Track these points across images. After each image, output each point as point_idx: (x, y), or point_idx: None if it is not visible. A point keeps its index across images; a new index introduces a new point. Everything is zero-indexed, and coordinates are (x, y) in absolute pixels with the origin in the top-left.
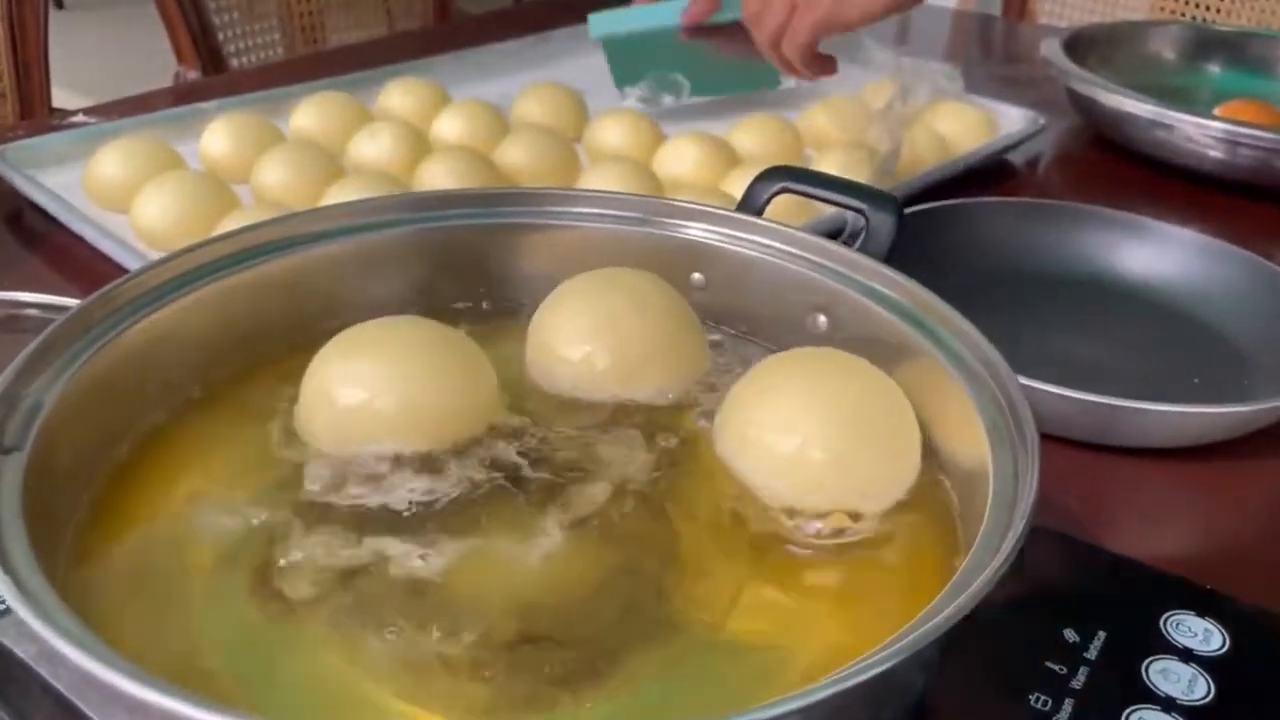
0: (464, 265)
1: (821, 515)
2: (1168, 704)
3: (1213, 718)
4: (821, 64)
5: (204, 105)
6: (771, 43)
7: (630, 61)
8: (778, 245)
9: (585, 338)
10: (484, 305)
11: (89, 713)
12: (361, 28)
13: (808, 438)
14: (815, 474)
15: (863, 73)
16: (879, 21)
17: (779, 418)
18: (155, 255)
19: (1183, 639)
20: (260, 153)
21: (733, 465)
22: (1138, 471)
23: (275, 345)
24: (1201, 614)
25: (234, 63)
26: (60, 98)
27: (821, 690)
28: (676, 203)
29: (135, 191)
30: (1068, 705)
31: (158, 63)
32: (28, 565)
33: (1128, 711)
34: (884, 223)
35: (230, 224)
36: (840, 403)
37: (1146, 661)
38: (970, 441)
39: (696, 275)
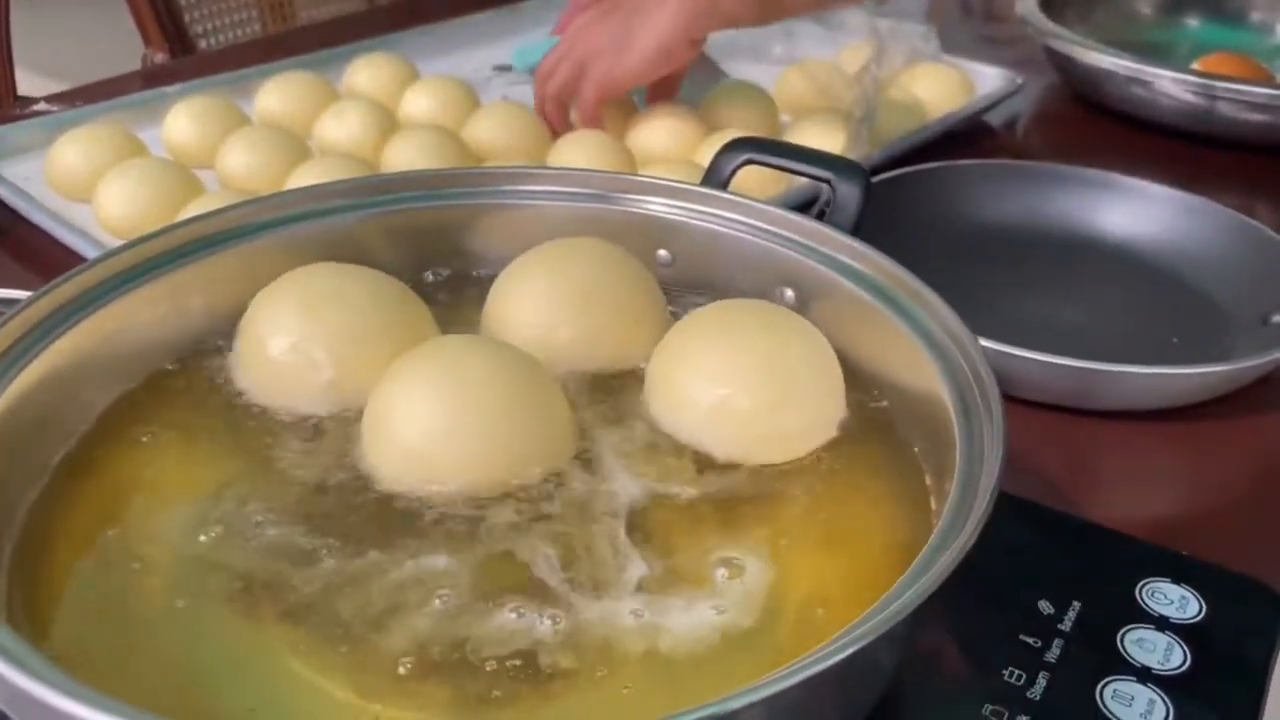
0: (428, 247)
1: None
2: (1143, 674)
3: (1188, 686)
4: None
5: (167, 89)
6: (555, 103)
7: None
8: (742, 219)
9: (542, 307)
10: (446, 287)
11: None
12: (332, 3)
13: (730, 388)
14: (738, 423)
15: (839, 36)
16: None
17: (699, 370)
18: (115, 244)
19: (1159, 607)
20: (224, 137)
21: (661, 422)
22: (1118, 435)
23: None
24: (1178, 581)
25: (203, 43)
26: (29, 83)
27: (789, 677)
28: (641, 178)
29: (97, 180)
30: (1041, 679)
31: (128, 44)
32: None
33: (1102, 683)
34: (851, 192)
35: (194, 211)
36: (753, 349)
37: (1122, 631)
38: (937, 415)
39: (662, 251)
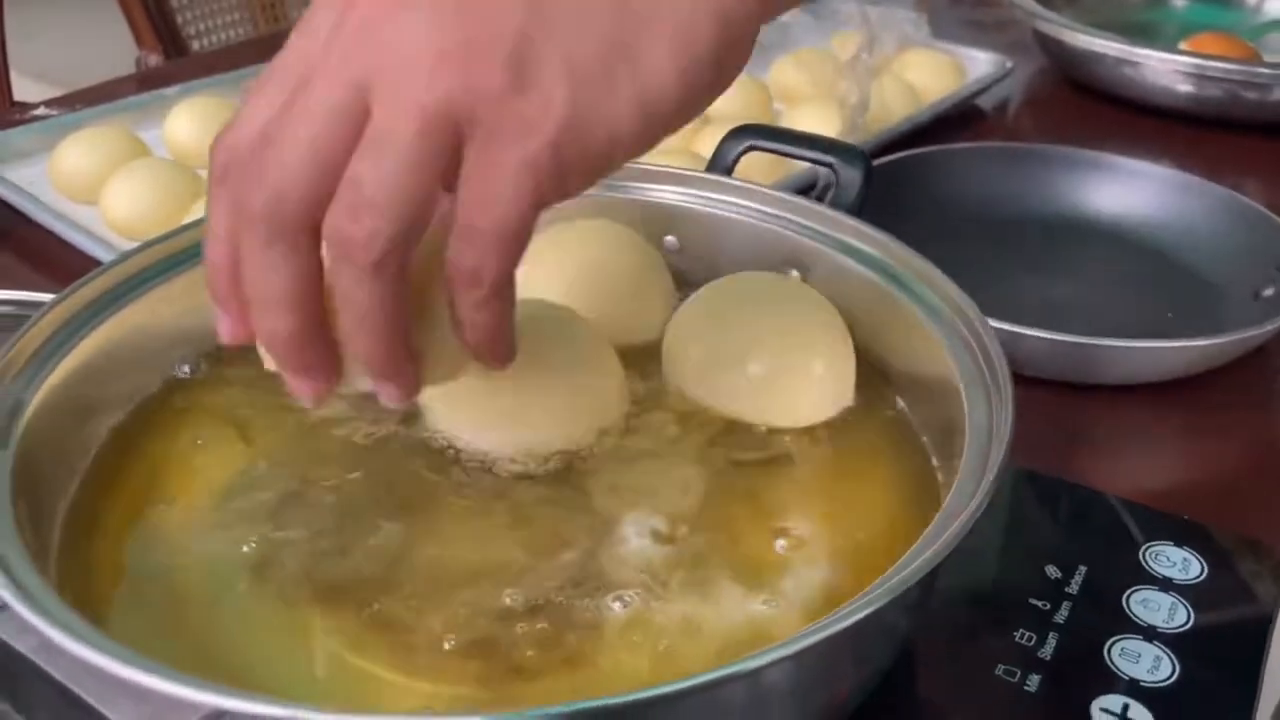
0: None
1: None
2: (1149, 633)
3: (1192, 643)
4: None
5: (166, 91)
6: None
7: None
8: (749, 204)
9: (553, 283)
10: None
11: (90, 701)
12: None
13: (747, 354)
14: (755, 389)
15: (830, 25)
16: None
17: (717, 337)
18: (128, 245)
19: (1162, 569)
20: None
21: (681, 389)
22: (1116, 408)
23: None
24: (1180, 544)
25: (195, 44)
26: (21, 87)
27: (806, 638)
28: (648, 166)
29: (102, 182)
30: (1051, 639)
31: (117, 47)
32: (21, 562)
33: (1110, 641)
34: (853, 176)
35: (197, 211)
36: (769, 316)
37: (1128, 592)
38: (944, 387)
39: (670, 238)
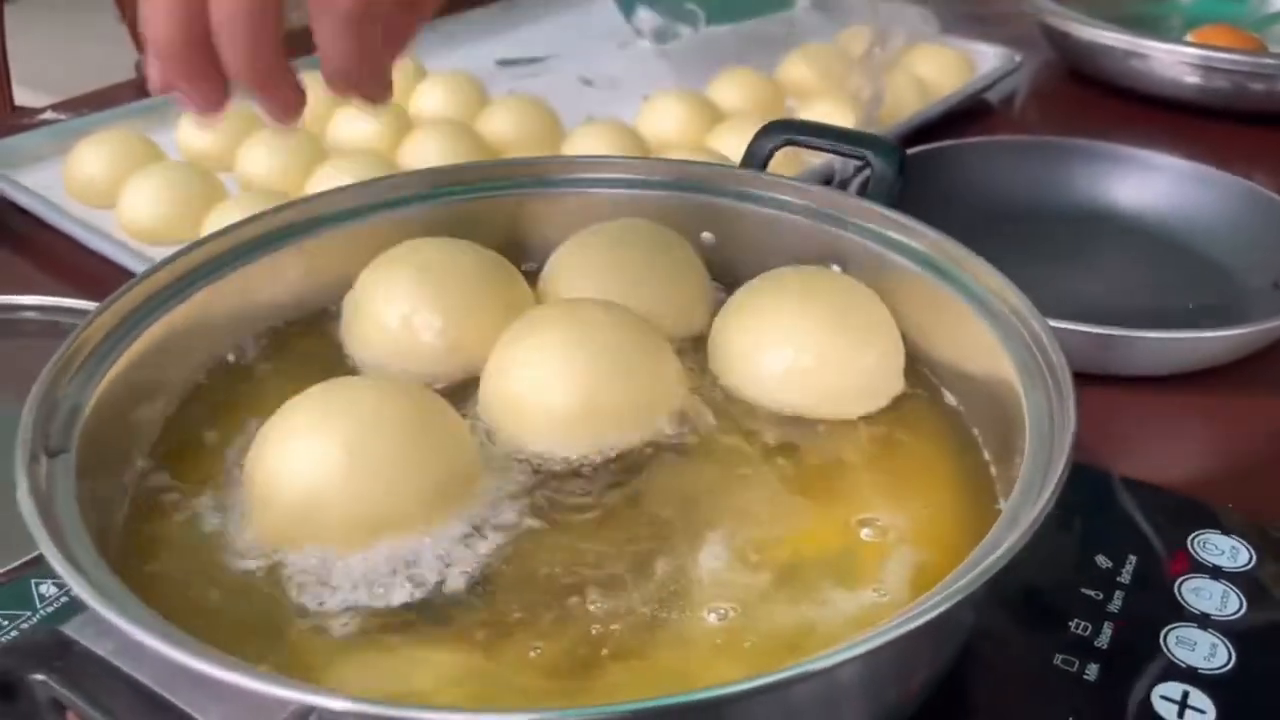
0: (486, 236)
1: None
2: (1203, 620)
3: (1247, 630)
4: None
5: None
6: None
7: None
8: (786, 199)
9: (599, 281)
10: None
11: (177, 703)
12: None
13: (796, 346)
14: (806, 381)
15: (835, 20)
16: None
17: (766, 329)
18: (146, 250)
19: (1211, 557)
20: (241, 140)
21: (729, 382)
22: (1140, 400)
23: (296, 327)
24: (1226, 532)
25: None
26: (18, 95)
27: (886, 633)
28: (683, 162)
29: (119, 187)
30: (1107, 629)
31: (112, 53)
32: (97, 565)
33: (1165, 630)
34: (888, 169)
35: (220, 214)
36: (816, 308)
37: (1178, 581)
38: (997, 382)
39: (706, 235)
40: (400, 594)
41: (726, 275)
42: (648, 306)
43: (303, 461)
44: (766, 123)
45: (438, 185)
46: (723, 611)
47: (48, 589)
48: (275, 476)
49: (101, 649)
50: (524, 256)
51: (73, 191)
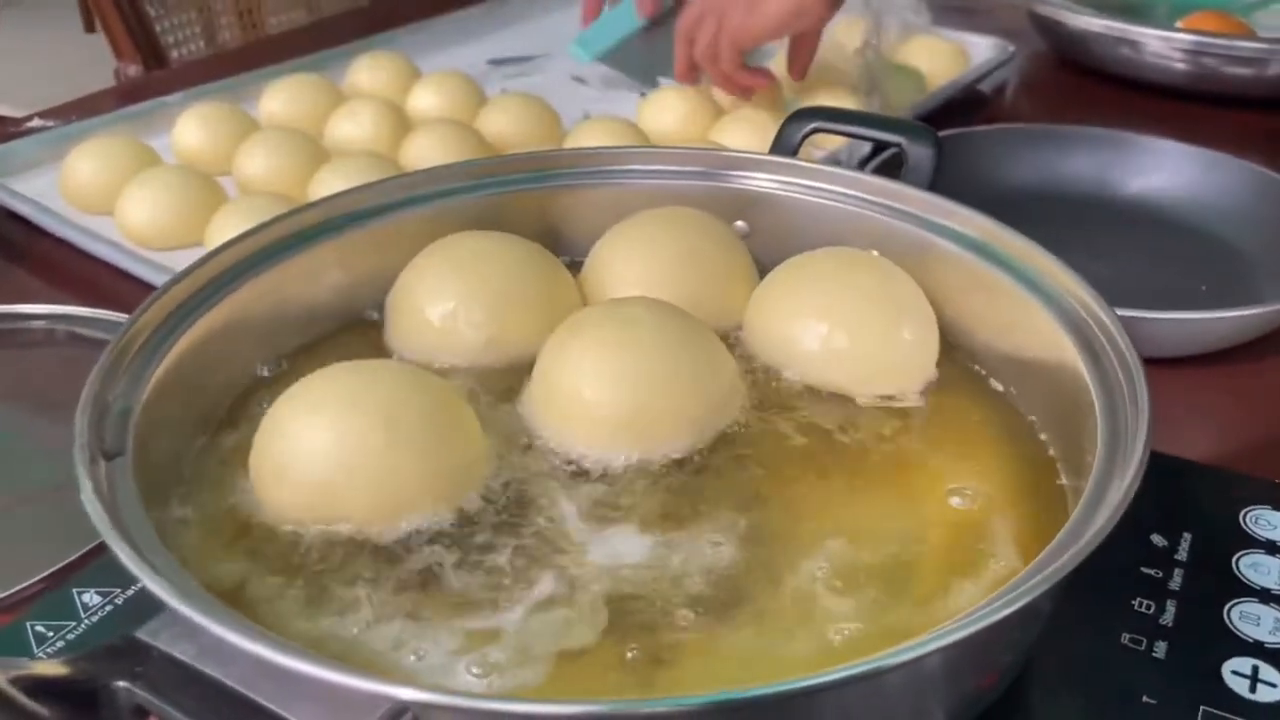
0: (522, 229)
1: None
2: (1264, 595)
3: None
4: (753, 77)
5: (169, 99)
6: (706, 59)
7: (639, 63)
8: (818, 184)
9: (643, 270)
10: None
11: (265, 703)
12: (298, 9)
13: (834, 323)
14: (845, 358)
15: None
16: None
17: (803, 308)
18: (149, 255)
19: (1265, 532)
20: (237, 142)
21: (768, 359)
22: (1159, 380)
23: (331, 325)
24: (1277, 507)
25: (174, 54)
26: None
27: (984, 617)
28: (715, 151)
29: (116, 192)
30: (1170, 606)
31: (80, 64)
32: (172, 567)
33: (1228, 606)
34: (924, 154)
35: (221, 218)
36: (855, 287)
37: (1236, 557)
38: (1056, 364)
39: (740, 223)
40: None
41: (761, 263)
42: (696, 296)
43: (324, 438)
44: (796, 109)
45: (474, 178)
46: (846, 632)
47: (91, 597)
48: (292, 452)
49: (181, 652)
50: (561, 249)
51: (69, 198)
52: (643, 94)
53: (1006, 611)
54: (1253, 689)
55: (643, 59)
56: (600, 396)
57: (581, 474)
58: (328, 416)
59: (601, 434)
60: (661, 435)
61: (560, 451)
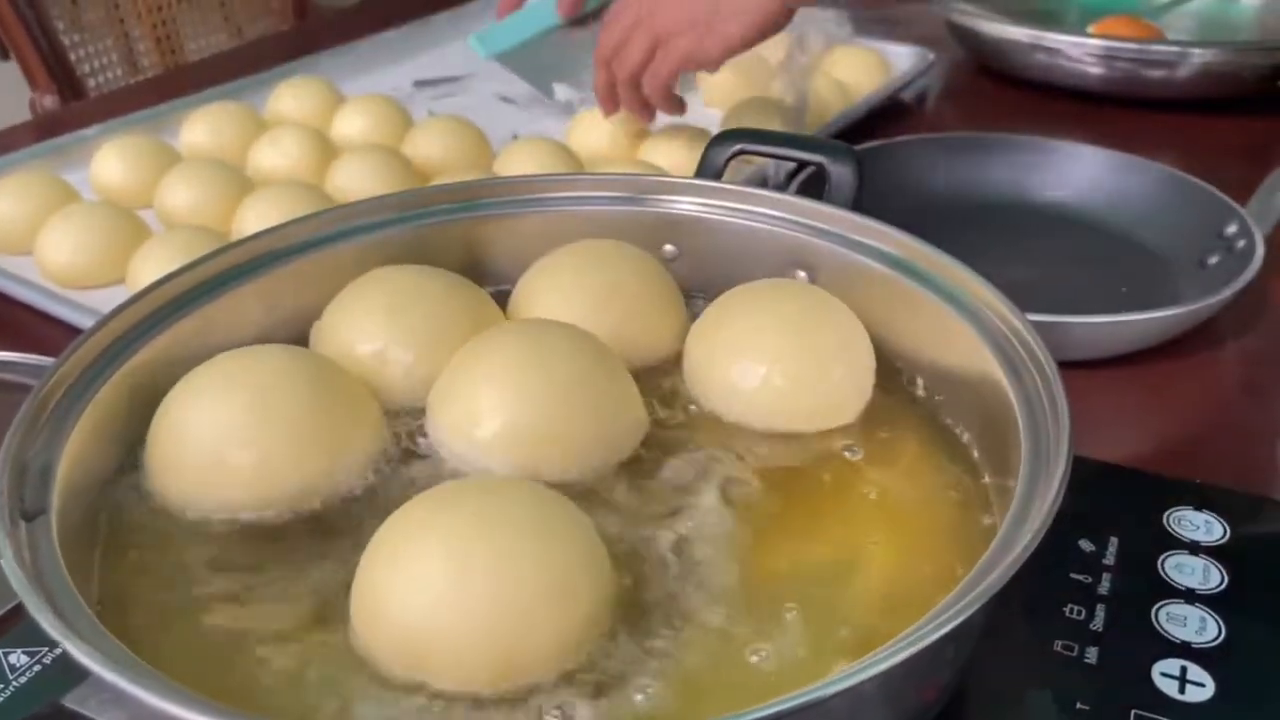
0: (448, 260)
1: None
2: (1189, 595)
3: (1233, 603)
4: (676, 103)
5: (86, 132)
6: (630, 82)
7: (539, 66)
8: (744, 207)
9: (569, 304)
10: None
11: None
12: (215, 34)
13: (769, 364)
14: (780, 396)
15: None
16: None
17: (741, 348)
18: (71, 295)
19: (1188, 533)
20: (158, 175)
21: (704, 402)
22: (1082, 383)
23: None
24: (1199, 508)
25: (90, 83)
26: None
27: (912, 643)
28: (642, 176)
29: (34, 231)
30: (1100, 611)
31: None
32: (97, 633)
33: (1156, 608)
34: (845, 172)
35: (144, 253)
36: (789, 324)
37: (1161, 559)
38: (977, 379)
39: (668, 246)
40: None
41: (689, 286)
42: (618, 329)
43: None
44: (718, 132)
45: (403, 210)
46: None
47: (18, 658)
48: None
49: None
50: (488, 279)
51: None
52: (573, 113)
53: (935, 636)
54: (1181, 690)
55: (543, 63)
56: (488, 410)
57: None
58: (207, 399)
59: (489, 448)
60: (548, 459)
61: (449, 460)
